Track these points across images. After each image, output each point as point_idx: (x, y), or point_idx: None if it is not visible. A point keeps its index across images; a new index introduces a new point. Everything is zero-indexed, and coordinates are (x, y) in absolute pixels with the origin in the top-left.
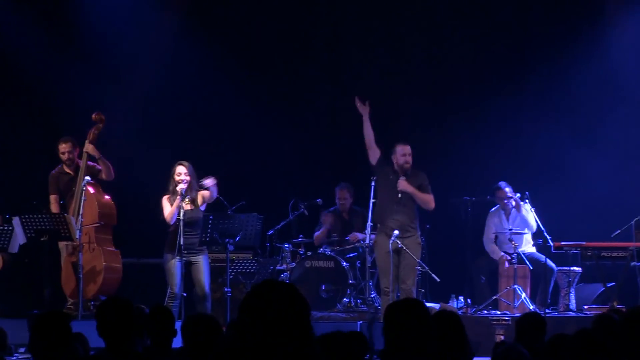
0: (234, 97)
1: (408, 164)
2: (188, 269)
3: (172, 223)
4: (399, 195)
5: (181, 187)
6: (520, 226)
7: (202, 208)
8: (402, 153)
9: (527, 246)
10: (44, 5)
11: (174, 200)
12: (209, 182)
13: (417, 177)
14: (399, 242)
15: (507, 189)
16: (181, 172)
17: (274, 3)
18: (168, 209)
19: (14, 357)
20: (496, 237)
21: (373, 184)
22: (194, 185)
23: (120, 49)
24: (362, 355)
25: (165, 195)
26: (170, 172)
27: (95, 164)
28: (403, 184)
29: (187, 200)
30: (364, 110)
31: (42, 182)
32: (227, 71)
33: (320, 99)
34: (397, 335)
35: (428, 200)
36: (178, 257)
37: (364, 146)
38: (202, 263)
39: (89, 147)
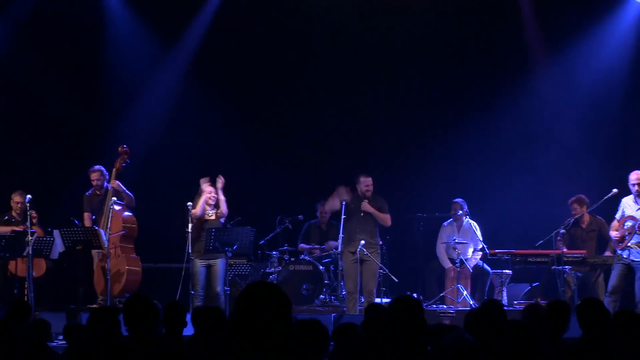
0: (231, 132)
1: (369, 191)
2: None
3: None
4: (362, 214)
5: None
6: (467, 237)
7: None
8: (365, 184)
9: (470, 253)
10: (74, 60)
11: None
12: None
13: (377, 201)
14: (365, 250)
15: (462, 204)
16: (212, 191)
17: (263, 55)
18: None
19: (55, 343)
20: (445, 245)
21: (344, 203)
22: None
23: (135, 91)
24: (325, 340)
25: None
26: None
27: (120, 194)
28: (365, 206)
29: (210, 212)
30: (343, 197)
31: (76, 201)
32: (224, 109)
33: (302, 134)
34: (398, 325)
35: (385, 218)
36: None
37: (337, 170)
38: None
39: (114, 184)
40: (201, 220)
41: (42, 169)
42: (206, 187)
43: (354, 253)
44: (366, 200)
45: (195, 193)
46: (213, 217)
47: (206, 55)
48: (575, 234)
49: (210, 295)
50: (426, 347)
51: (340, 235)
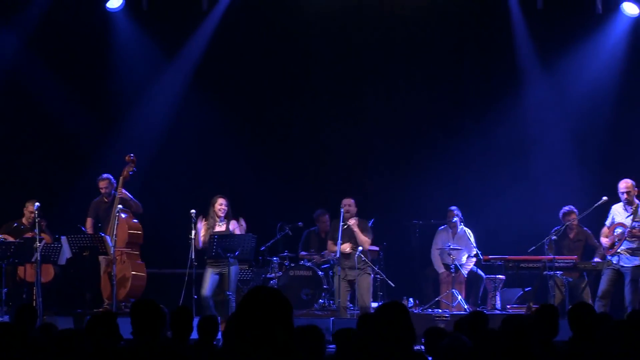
0: (232, 140)
1: (348, 212)
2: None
3: (199, 247)
4: (345, 227)
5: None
6: (461, 244)
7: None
8: (343, 204)
9: (464, 259)
10: (80, 70)
11: (209, 224)
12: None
13: (360, 223)
14: (363, 256)
15: (456, 212)
16: (222, 202)
17: (264, 64)
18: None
19: None
20: (440, 251)
21: (342, 211)
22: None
23: (139, 100)
24: (322, 344)
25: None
26: (210, 202)
27: (127, 201)
28: (352, 222)
29: (220, 223)
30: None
31: (83, 209)
32: (226, 118)
33: (301, 144)
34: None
35: (364, 240)
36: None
37: (336, 179)
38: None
39: (121, 192)
40: (211, 232)
41: (49, 176)
42: (217, 200)
43: (348, 280)
44: (356, 219)
45: (202, 204)
46: (223, 228)
47: (208, 64)
48: (562, 243)
49: (221, 300)
50: (413, 349)
51: (339, 241)
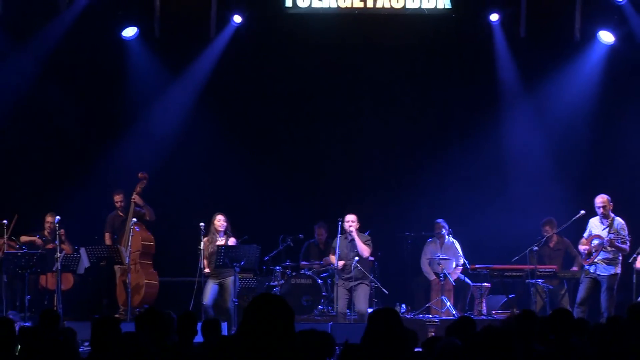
0: (238, 159)
1: (350, 227)
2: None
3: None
4: (345, 239)
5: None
6: (449, 254)
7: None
8: (346, 220)
9: (452, 268)
10: (95, 93)
11: (211, 241)
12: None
13: (362, 237)
14: (359, 265)
15: (443, 224)
16: (220, 219)
17: (266, 87)
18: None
19: (81, 349)
20: (429, 261)
21: (340, 223)
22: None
23: (149, 119)
24: (331, 349)
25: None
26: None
27: (141, 209)
28: (355, 234)
29: (220, 238)
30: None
31: (100, 222)
32: (232, 139)
33: (302, 162)
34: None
35: (364, 249)
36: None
37: (334, 196)
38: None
39: (136, 198)
40: (212, 246)
41: (66, 191)
42: (216, 216)
43: (346, 288)
44: (353, 232)
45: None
46: (222, 243)
47: (214, 86)
48: (543, 252)
49: (222, 309)
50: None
51: (337, 252)
